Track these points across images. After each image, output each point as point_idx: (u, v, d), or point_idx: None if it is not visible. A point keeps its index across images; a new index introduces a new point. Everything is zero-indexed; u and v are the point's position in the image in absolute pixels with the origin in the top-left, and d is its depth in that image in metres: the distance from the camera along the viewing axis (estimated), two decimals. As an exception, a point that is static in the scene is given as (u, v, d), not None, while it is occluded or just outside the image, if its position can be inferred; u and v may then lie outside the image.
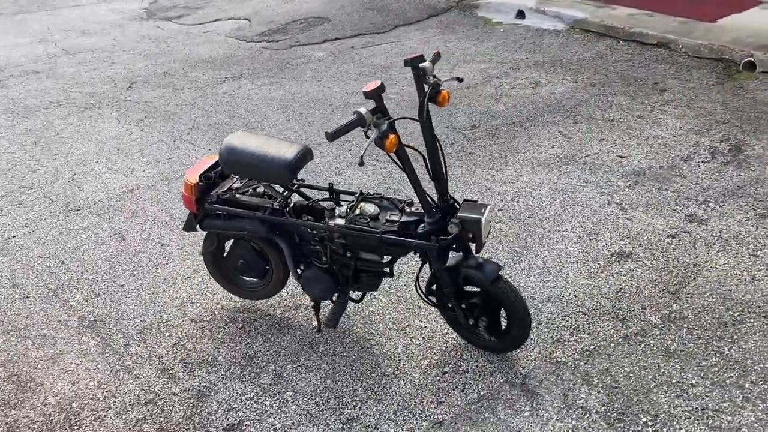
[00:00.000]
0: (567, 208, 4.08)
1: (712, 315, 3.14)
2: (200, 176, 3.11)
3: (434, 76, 2.63)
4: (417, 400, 2.90)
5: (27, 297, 3.74)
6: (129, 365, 3.22)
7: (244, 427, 2.84)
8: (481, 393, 2.90)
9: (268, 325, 3.40)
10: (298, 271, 3.14)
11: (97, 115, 6.10)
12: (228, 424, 2.87)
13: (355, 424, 2.82)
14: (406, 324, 3.31)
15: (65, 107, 6.35)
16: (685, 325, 3.11)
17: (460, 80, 2.76)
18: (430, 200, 2.75)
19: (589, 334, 3.13)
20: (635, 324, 3.15)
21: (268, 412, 2.91)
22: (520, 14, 7.51)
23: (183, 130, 5.63)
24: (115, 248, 4.11)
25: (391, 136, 2.51)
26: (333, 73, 6.65)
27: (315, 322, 3.25)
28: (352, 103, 5.86)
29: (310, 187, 3.19)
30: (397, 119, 2.58)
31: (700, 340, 3.01)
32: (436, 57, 2.70)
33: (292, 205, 3.08)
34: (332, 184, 3.13)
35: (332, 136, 2.40)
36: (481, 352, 3.08)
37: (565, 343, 3.10)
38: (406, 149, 2.68)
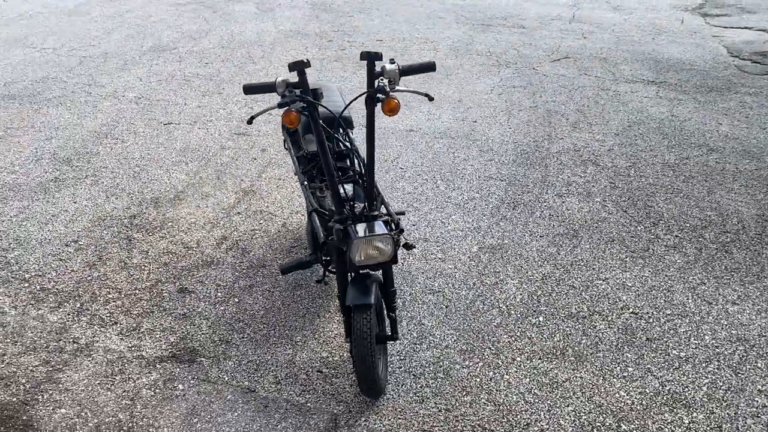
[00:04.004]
0: None
1: None
2: None
3: (391, 81, 2.46)
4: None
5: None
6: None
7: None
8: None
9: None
10: None
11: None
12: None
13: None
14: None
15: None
16: None
17: (430, 99, 2.47)
18: (344, 198, 2.62)
19: None
20: None
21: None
22: None
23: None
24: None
25: (291, 113, 2.53)
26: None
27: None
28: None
29: None
30: (311, 102, 2.52)
31: None
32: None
33: None
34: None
35: (247, 90, 2.60)
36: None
37: None
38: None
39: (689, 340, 3.02)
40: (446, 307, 3.22)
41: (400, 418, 2.62)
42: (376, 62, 2.50)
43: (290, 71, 2.47)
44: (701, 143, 4.97)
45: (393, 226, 2.73)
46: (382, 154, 4.77)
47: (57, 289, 3.35)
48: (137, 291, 3.34)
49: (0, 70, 6.50)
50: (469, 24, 8.42)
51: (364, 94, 2.53)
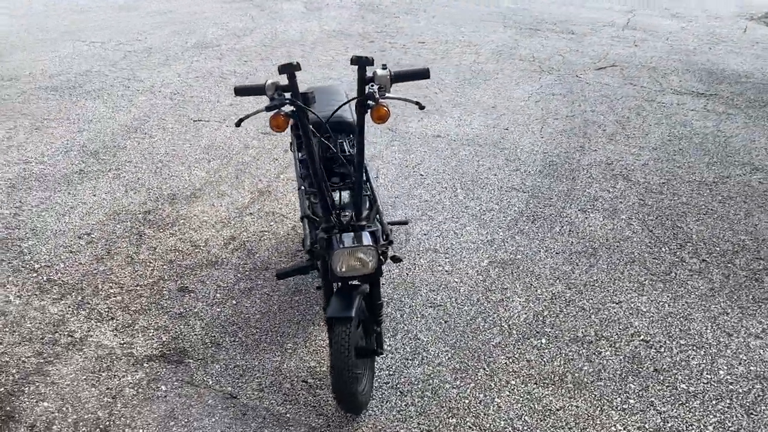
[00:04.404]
0: None
1: None
2: None
3: (381, 87, 2.38)
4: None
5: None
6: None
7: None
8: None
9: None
10: None
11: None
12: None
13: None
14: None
15: None
16: None
17: (421, 107, 2.39)
18: (330, 206, 2.56)
19: None
20: None
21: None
22: None
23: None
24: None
25: (279, 116, 2.47)
26: None
27: None
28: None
29: None
30: (299, 106, 2.46)
31: None
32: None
33: None
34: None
35: (237, 91, 2.57)
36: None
37: None
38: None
39: (701, 374, 2.81)
40: (445, 322, 3.10)
41: (379, 437, 2.53)
42: (367, 67, 2.42)
43: (280, 74, 2.40)
44: (745, 161, 4.67)
45: (384, 238, 2.64)
46: (404, 160, 4.67)
47: (62, 281, 3.39)
48: (138, 287, 3.34)
49: (48, 62, 6.71)
50: (517, 28, 8.21)
51: (352, 100, 2.45)
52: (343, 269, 2.41)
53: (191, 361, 2.87)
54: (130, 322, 3.10)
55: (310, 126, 2.50)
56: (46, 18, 8.57)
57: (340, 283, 2.54)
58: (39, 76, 6.30)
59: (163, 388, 2.73)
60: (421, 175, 4.46)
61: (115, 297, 3.27)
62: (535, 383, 2.77)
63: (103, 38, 7.60)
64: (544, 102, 5.79)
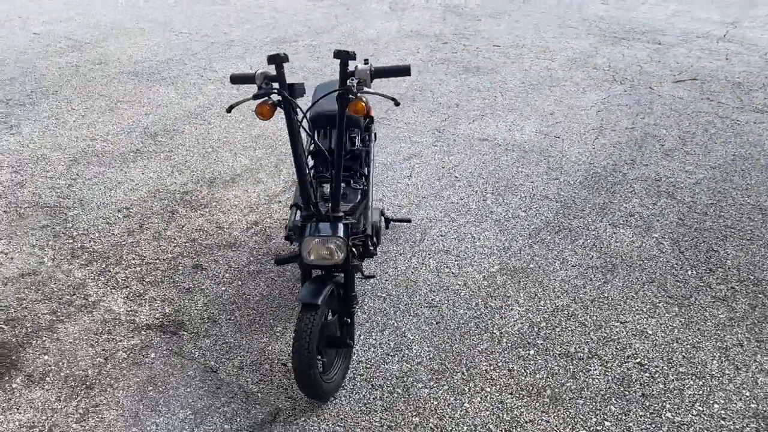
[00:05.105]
0: None
1: None
2: None
3: (361, 81, 2.44)
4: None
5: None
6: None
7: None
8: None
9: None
10: None
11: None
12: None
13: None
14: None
15: None
16: None
17: (397, 103, 2.43)
18: (312, 197, 2.63)
19: None
20: None
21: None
22: None
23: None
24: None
25: (264, 105, 2.55)
26: None
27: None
28: None
29: None
30: (285, 97, 2.51)
31: None
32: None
33: None
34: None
35: (232, 79, 2.70)
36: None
37: None
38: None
39: (692, 405, 2.63)
40: (437, 323, 3.08)
41: (339, 426, 2.55)
42: (350, 62, 2.46)
43: (269, 64, 2.49)
44: (813, 188, 4.29)
45: (362, 232, 2.67)
46: (443, 161, 4.65)
47: (93, 249, 3.66)
48: (158, 261, 3.55)
49: (137, 49, 7.21)
50: (601, 36, 7.92)
51: (331, 93, 2.51)
52: (312, 257, 2.47)
53: (185, 333, 3.03)
54: (141, 291, 3.31)
55: (297, 117, 2.57)
56: (147, 9, 9.19)
57: (320, 271, 2.60)
58: (126, 61, 6.78)
59: (152, 355, 2.90)
60: (456, 177, 4.43)
61: (134, 268, 3.50)
62: (511, 393, 2.71)
63: (191, 29, 8.06)
64: (606, 112, 5.56)
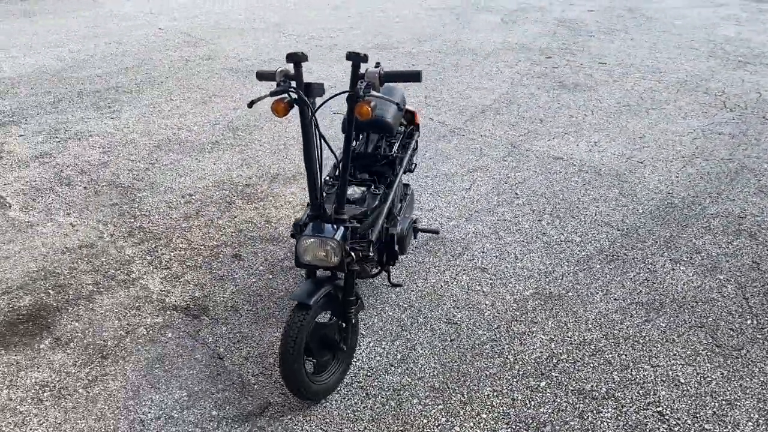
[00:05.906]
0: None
1: None
2: None
3: (369, 84, 2.45)
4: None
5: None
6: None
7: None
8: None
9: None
10: None
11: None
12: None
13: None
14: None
15: None
16: None
17: (400, 108, 2.42)
18: (318, 197, 2.66)
19: None
20: None
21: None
22: None
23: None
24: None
25: (279, 103, 2.58)
26: None
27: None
28: None
29: None
30: (300, 96, 2.50)
31: None
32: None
33: None
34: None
35: (258, 76, 2.77)
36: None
37: None
38: None
39: (708, 468, 2.35)
40: (451, 340, 2.97)
41: (322, 428, 2.53)
42: (362, 64, 2.44)
43: (287, 62, 2.52)
44: None
45: (365, 238, 2.63)
46: (508, 176, 4.49)
47: (149, 229, 3.88)
48: (202, 247, 3.70)
49: (245, 47, 7.59)
50: (724, 59, 7.32)
51: (338, 94, 2.56)
52: (307, 257, 2.47)
53: (206, 318, 3.14)
54: (179, 274, 3.46)
55: (311, 116, 2.58)
56: (265, 11, 9.64)
57: (327, 273, 2.61)
58: (232, 58, 7.16)
59: (169, 335, 3.02)
60: (516, 194, 4.26)
61: (179, 251, 3.67)
62: (507, 423, 2.55)
63: (301, 32, 8.36)
64: (704, 140, 5.12)
